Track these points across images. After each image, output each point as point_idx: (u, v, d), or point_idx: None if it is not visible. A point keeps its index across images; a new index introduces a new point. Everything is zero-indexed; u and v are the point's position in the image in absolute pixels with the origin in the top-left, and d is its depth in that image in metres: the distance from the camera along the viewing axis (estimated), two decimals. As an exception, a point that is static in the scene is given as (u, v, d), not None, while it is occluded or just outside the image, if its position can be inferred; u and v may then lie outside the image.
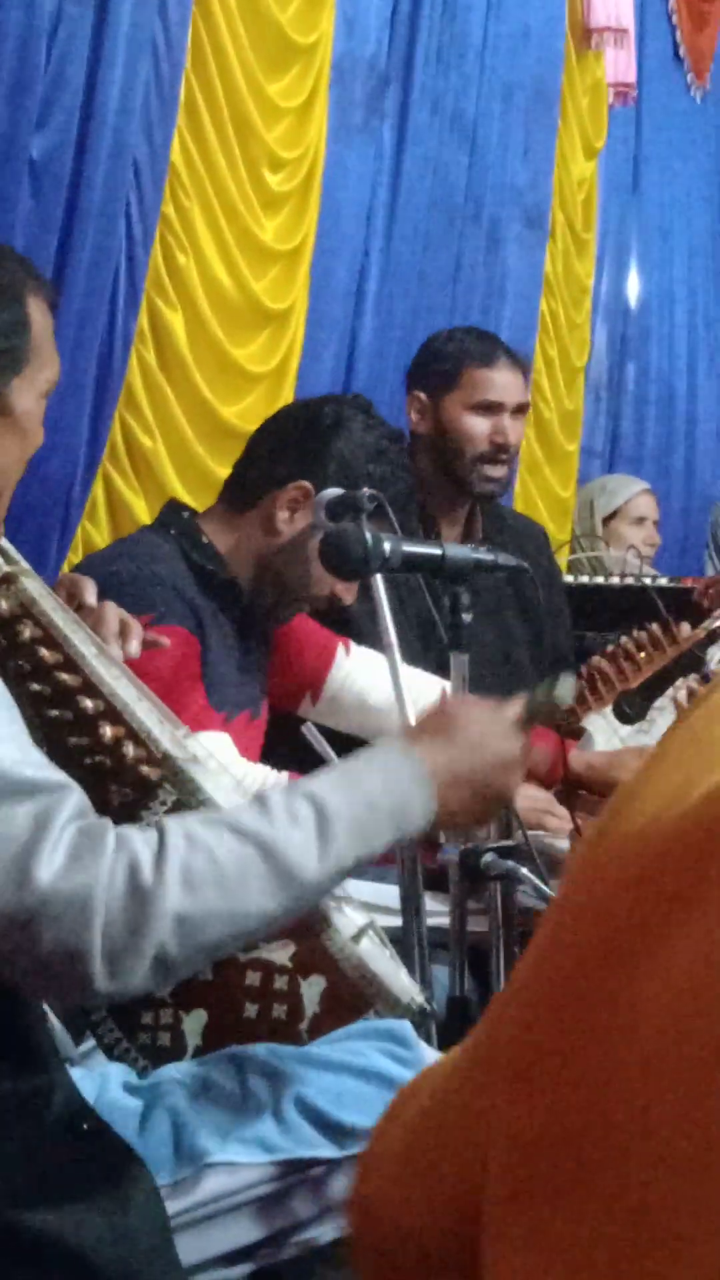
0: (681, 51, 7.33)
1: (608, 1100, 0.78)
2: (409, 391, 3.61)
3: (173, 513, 2.89)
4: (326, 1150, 1.74)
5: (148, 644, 2.10)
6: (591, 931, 0.83)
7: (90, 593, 2.08)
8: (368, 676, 3.07)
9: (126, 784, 1.90)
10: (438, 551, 2.30)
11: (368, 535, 2.27)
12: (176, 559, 2.76)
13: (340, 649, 3.10)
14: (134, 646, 2.06)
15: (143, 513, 4.09)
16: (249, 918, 1.57)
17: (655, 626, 3.53)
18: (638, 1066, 0.77)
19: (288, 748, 2.71)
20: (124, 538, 3.13)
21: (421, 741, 1.76)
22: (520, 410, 3.58)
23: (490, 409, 3.51)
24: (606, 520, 5.13)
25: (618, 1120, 0.78)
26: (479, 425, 3.50)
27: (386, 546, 2.27)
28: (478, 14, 5.53)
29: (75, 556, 3.94)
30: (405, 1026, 1.89)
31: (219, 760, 2.11)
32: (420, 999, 1.93)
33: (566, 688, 1.84)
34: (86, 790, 1.90)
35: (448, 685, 2.38)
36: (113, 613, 2.08)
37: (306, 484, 2.74)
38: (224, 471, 2.99)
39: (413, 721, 2.21)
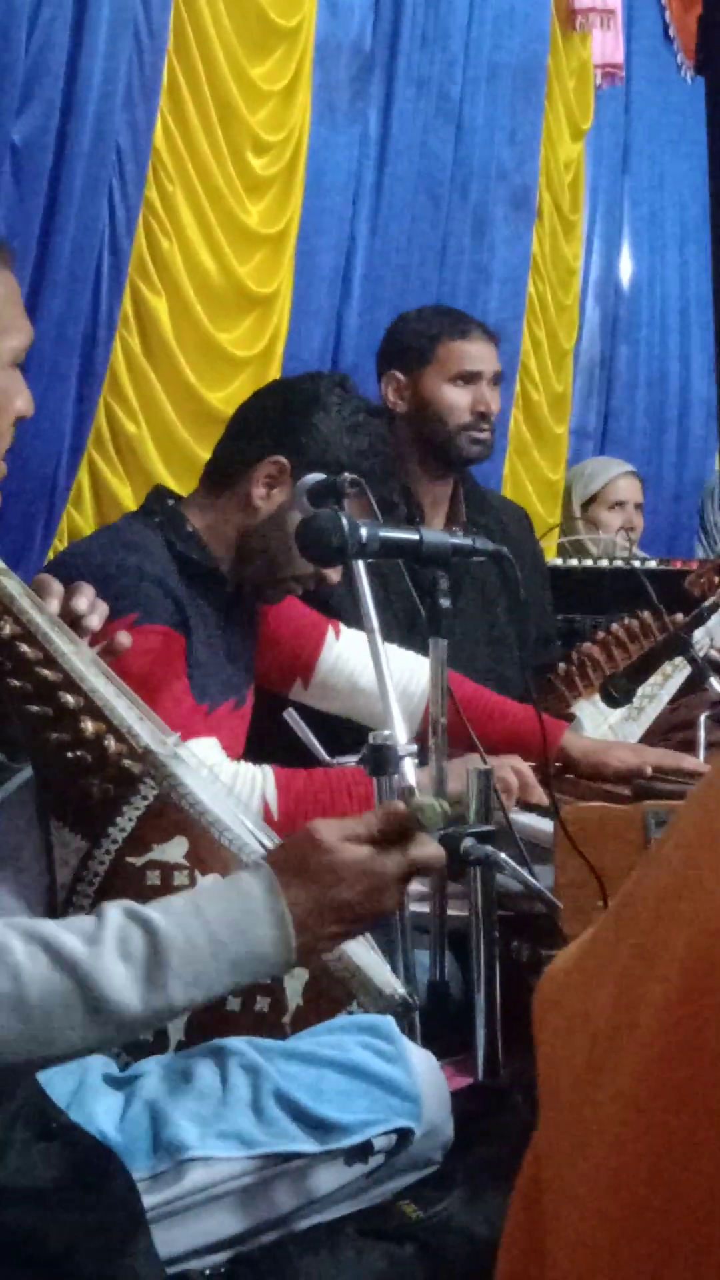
0: (671, 32, 7.31)
1: None
2: (382, 374, 3.62)
3: (157, 499, 2.88)
4: (306, 1144, 1.74)
5: (110, 647, 2.06)
6: None
7: (56, 589, 2.06)
8: (358, 659, 3.06)
9: (108, 778, 1.90)
10: (415, 537, 2.30)
11: (345, 521, 2.26)
12: (160, 549, 2.74)
13: (330, 632, 3.09)
14: (95, 621, 2.04)
15: (128, 499, 4.08)
16: (51, 1047, 1.49)
17: (646, 614, 3.52)
18: None
19: (274, 734, 2.71)
20: (107, 526, 3.12)
21: (283, 875, 1.60)
22: (496, 379, 3.60)
23: (469, 379, 3.54)
24: (586, 505, 5.10)
25: None
26: (460, 396, 3.52)
27: (364, 533, 2.26)
28: (463, -6, 5.52)
29: (60, 543, 3.93)
30: (388, 1021, 1.89)
31: (205, 763, 2.11)
32: (402, 991, 1.92)
33: (435, 809, 1.67)
34: (68, 785, 1.90)
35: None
36: (85, 589, 2.07)
37: (282, 458, 2.74)
38: (209, 457, 2.99)
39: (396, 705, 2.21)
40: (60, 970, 1.48)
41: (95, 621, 2.04)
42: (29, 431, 3.78)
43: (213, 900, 1.59)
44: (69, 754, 1.89)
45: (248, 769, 2.61)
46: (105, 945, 1.50)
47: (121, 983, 1.49)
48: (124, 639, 2.06)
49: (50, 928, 1.52)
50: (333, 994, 1.90)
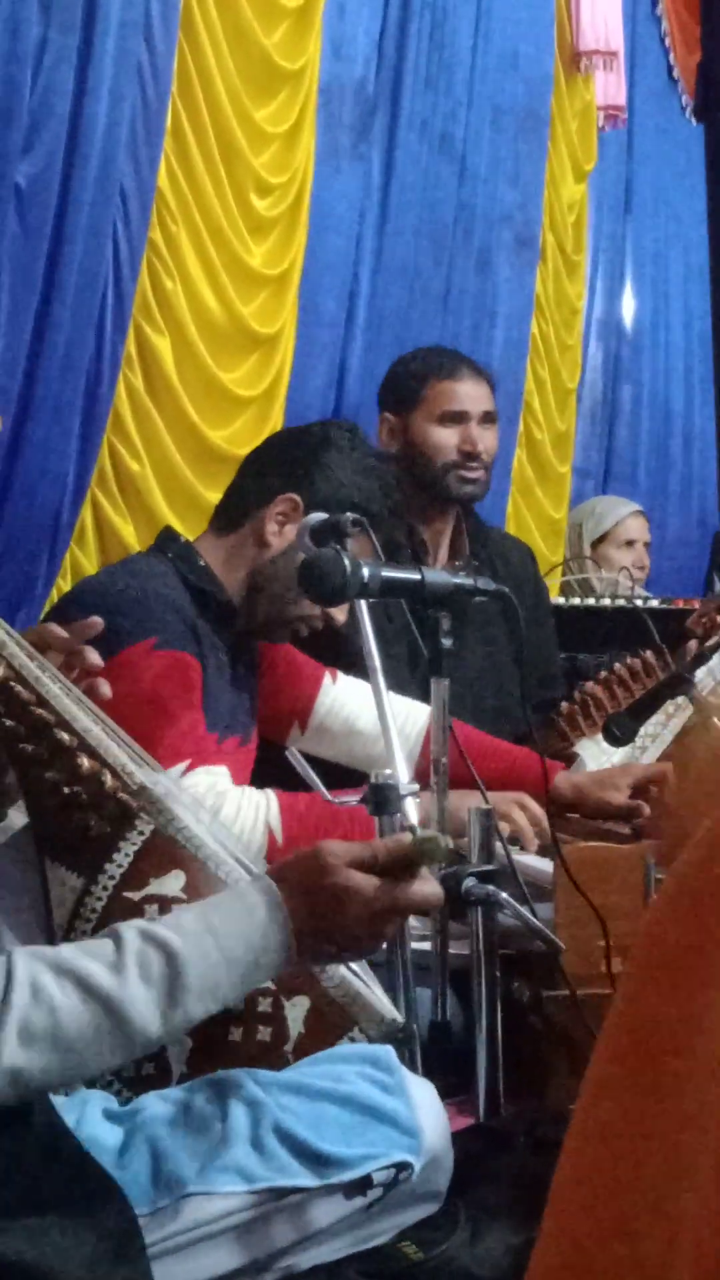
0: (675, 73, 7.33)
1: None
2: (379, 416, 3.64)
3: (169, 538, 2.91)
4: (305, 1179, 1.73)
5: (93, 690, 2.06)
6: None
7: (57, 631, 2.07)
8: (354, 703, 3.08)
9: (104, 815, 1.92)
10: (416, 576, 2.31)
11: (346, 561, 2.27)
12: (175, 580, 2.78)
13: (327, 677, 3.11)
14: (94, 656, 2.04)
15: (131, 538, 4.09)
16: (84, 1070, 1.61)
17: (649, 653, 3.52)
18: None
19: (274, 774, 2.71)
20: (121, 560, 3.15)
21: (286, 890, 1.69)
22: (488, 419, 3.61)
23: (456, 419, 3.55)
24: (596, 543, 5.13)
25: None
26: (447, 436, 3.54)
27: (365, 572, 2.27)
28: (466, 37, 5.54)
29: (64, 581, 3.94)
30: (388, 1052, 1.89)
31: (203, 803, 2.11)
32: (402, 1017, 1.93)
33: (439, 845, 1.71)
34: (64, 823, 1.91)
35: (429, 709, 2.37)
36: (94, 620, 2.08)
37: (295, 496, 2.77)
38: (212, 496, 3.01)
39: (397, 750, 2.22)
40: (92, 1002, 1.57)
41: (94, 656, 2.05)
42: (32, 470, 3.80)
43: (222, 917, 1.67)
44: (65, 790, 1.91)
45: (252, 795, 2.62)
46: (129, 972, 1.59)
47: (145, 1007, 1.58)
48: (104, 688, 2.06)
49: (74, 957, 1.60)
50: (334, 1021, 1.90)
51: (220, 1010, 1.68)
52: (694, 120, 7.38)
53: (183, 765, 2.57)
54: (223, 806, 2.56)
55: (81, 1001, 1.56)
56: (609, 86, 6.52)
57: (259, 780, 2.88)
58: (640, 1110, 0.82)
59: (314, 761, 2.63)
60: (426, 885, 1.73)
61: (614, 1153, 0.83)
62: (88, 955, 1.61)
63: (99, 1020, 1.56)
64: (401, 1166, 1.77)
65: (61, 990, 1.56)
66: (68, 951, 1.62)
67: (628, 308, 7.13)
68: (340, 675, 3.11)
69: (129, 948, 1.60)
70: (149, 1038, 1.60)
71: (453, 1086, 2.13)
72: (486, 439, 3.59)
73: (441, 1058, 2.14)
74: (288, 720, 3.09)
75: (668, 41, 7.22)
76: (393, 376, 3.69)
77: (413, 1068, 1.96)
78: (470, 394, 3.58)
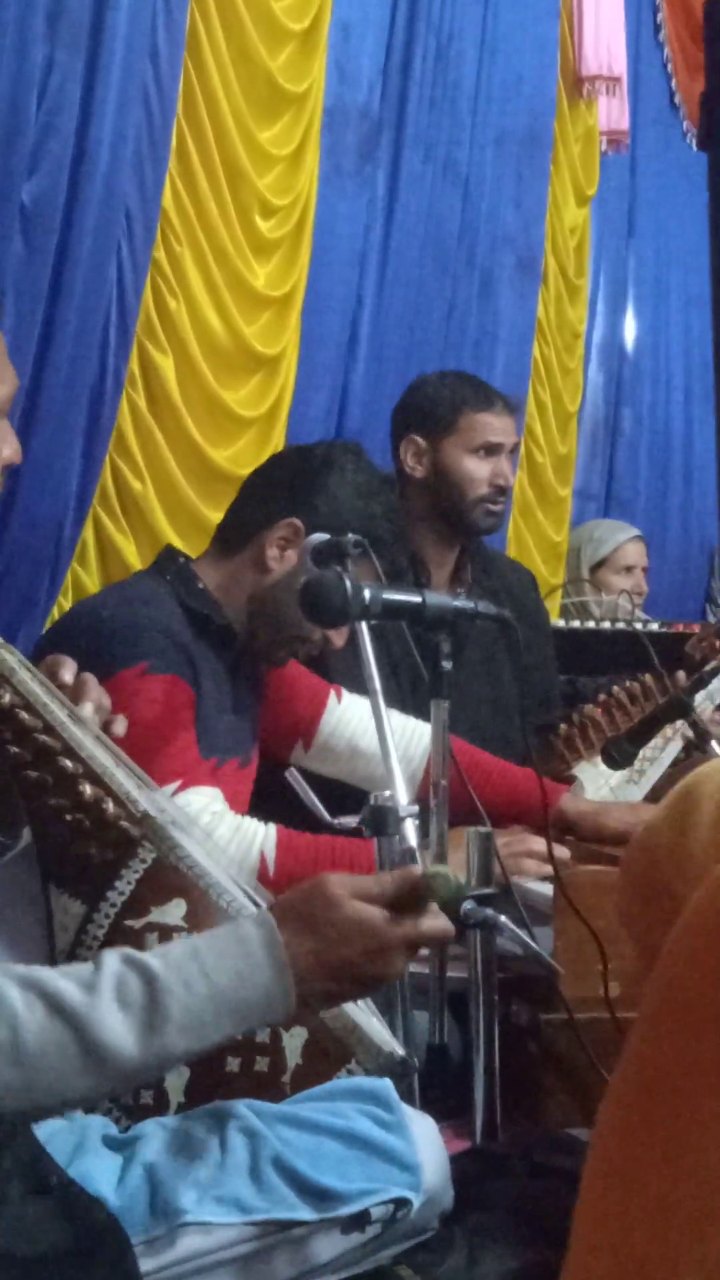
0: (677, 99, 7.36)
1: None
2: (401, 436, 3.62)
3: (168, 558, 2.90)
4: (304, 1212, 1.71)
5: (107, 728, 2.07)
6: None
7: (69, 670, 2.08)
8: (358, 723, 3.07)
9: (107, 842, 1.90)
10: (418, 599, 2.30)
11: (348, 583, 2.27)
12: (171, 603, 2.77)
13: (332, 696, 3.10)
14: (117, 726, 2.05)
15: (132, 556, 4.09)
16: (49, 1095, 1.49)
17: (648, 677, 3.52)
18: None
19: (275, 793, 2.71)
20: (119, 582, 3.14)
21: (287, 925, 1.59)
22: (514, 450, 3.62)
23: (490, 451, 3.54)
24: (594, 568, 5.13)
25: None
26: (480, 468, 3.53)
27: (366, 594, 2.27)
28: (470, 62, 5.57)
29: (65, 599, 3.94)
30: (387, 1087, 1.87)
31: (197, 822, 2.10)
32: (401, 1051, 1.91)
33: (449, 880, 1.66)
34: (67, 850, 1.90)
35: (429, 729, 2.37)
36: (93, 685, 2.08)
37: (296, 521, 2.76)
38: (214, 515, 3.01)
39: (396, 766, 2.21)
40: (57, 1018, 1.48)
41: (94, 693, 2.06)
42: (35, 488, 3.80)
43: (212, 948, 1.58)
44: (68, 817, 1.90)
45: (250, 823, 2.61)
46: (103, 992, 1.50)
47: (119, 1030, 1.49)
48: (119, 727, 2.07)
49: (47, 975, 1.52)
50: (332, 1052, 1.89)
51: (211, 1049, 1.58)
52: (696, 147, 7.40)
53: (174, 785, 2.57)
54: (218, 828, 2.55)
55: (47, 1017, 1.48)
56: (612, 111, 6.56)
57: (259, 801, 2.88)
58: (666, 1153, 0.81)
59: (313, 783, 2.64)
60: (436, 919, 1.67)
61: (640, 1195, 0.82)
62: (62, 974, 1.53)
63: (65, 1038, 1.48)
64: (400, 1203, 1.76)
65: (27, 1005, 1.48)
66: (43, 970, 1.54)
67: (629, 332, 7.16)
68: (345, 694, 3.11)
69: (107, 970, 1.53)
70: (123, 1064, 1.50)
71: (450, 1109, 2.12)
72: (512, 471, 3.61)
73: (439, 1081, 2.13)
74: (291, 738, 3.09)
75: (670, 68, 7.26)
76: (422, 399, 3.65)
77: (410, 1095, 1.95)
78: (505, 427, 3.58)
